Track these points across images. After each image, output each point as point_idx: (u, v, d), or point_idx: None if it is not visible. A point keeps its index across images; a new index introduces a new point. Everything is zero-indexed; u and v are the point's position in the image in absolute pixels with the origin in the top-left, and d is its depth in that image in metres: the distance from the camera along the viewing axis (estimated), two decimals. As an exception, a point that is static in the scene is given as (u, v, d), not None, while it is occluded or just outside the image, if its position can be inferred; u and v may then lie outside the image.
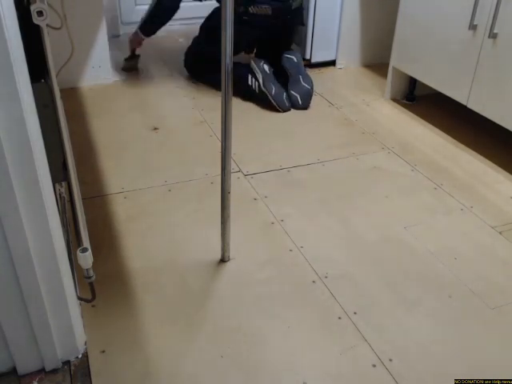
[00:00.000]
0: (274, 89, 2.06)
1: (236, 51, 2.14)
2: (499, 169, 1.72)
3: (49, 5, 0.74)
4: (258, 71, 2.08)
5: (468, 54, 1.74)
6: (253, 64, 2.11)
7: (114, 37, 2.73)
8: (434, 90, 1.94)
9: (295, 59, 2.16)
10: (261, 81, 2.06)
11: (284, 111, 2.06)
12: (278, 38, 2.23)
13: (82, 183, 1.53)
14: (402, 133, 1.94)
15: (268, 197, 1.53)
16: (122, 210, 1.45)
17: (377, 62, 2.54)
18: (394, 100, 2.20)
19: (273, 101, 2.05)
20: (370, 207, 1.50)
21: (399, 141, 1.88)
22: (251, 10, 2.05)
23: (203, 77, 2.28)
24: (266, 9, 2.06)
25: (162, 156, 1.73)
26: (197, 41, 2.30)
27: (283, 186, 1.59)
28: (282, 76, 2.14)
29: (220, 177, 1.15)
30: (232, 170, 1.47)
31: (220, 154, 1.12)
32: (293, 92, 2.11)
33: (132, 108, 2.06)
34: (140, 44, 2.36)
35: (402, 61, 2.08)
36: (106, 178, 1.59)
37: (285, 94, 2.08)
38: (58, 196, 1.07)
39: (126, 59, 2.40)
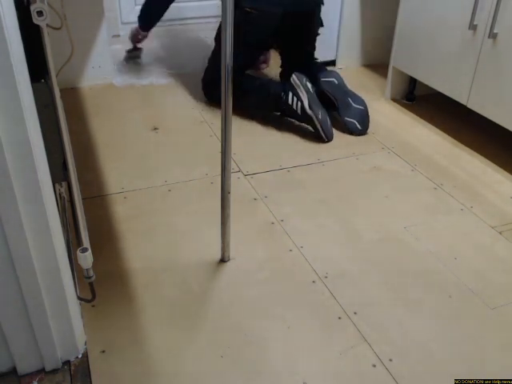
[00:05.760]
0: (320, 113, 1.80)
1: (262, 42, 1.93)
2: (499, 169, 1.72)
3: (49, 5, 0.74)
4: (303, 89, 1.79)
5: (468, 54, 1.74)
6: (295, 80, 1.82)
7: (114, 37, 2.73)
8: (434, 90, 1.94)
9: (336, 81, 1.92)
10: (306, 102, 1.78)
11: (329, 141, 1.82)
12: (301, 24, 1.98)
13: (82, 183, 1.53)
14: (402, 133, 1.94)
15: (268, 197, 1.53)
16: (122, 210, 1.45)
17: (377, 62, 2.54)
18: (394, 100, 2.20)
19: (319, 126, 1.80)
20: (370, 207, 1.50)
21: (399, 141, 1.88)
22: None
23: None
24: None
25: (161, 156, 1.73)
26: (213, 62, 2.02)
27: (283, 186, 1.59)
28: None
29: (220, 177, 1.15)
30: (232, 170, 1.48)
31: (220, 154, 1.12)
32: (347, 118, 1.88)
33: (132, 108, 2.06)
34: (139, 40, 2.36)
35: (402, 61, 2.08)
36: (106, 178, 1.59)
37: (328, 119, 1.83)
38: (58, 196, 1.07)
39: (128, 51, 2.45)
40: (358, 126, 1.89)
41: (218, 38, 1.95)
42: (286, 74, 2.12)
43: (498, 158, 1.77)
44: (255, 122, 1.97)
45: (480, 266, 1.29)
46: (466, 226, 1.44)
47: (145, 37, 2.34)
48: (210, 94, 2.09)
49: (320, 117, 1.79)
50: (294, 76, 1.83)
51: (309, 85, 1.81)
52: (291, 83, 1.83)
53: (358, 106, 1.91)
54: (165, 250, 1.31)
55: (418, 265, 1.29)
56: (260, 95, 1.91)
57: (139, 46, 2.44)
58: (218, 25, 1.93)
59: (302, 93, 1.79)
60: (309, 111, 1.79)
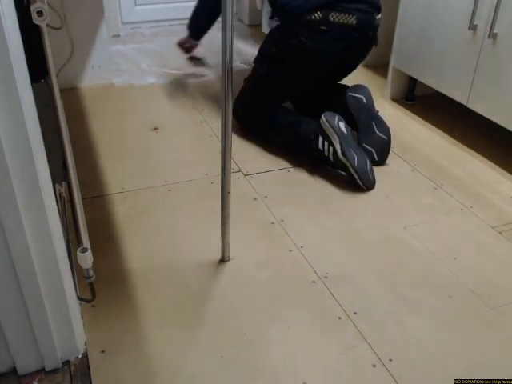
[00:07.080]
0: (356, 157, 1.55)
1: (314, 77, 1.76)
2: (499, 169, 1.72)
3: (49, 5, 0.74)
4: (334, 133, 1.56)
5: (468, 53, 1.74)
6: (325, 122, 1.59)
7: (114, 37, 2.73)
8: (434, 90, 1.94)
9: (364, 100, 1.70)
10: (338, 147, 1.55)
11: (368, 189, 1.56)
12: (355, 61, 1.84)
13: (82, 183, 1.53)
14: (402, 133, 1.94)
15: (268, 197, 1.53)
16: (122, 210, 1.45)
17: (377, 62, 2.54)
18: (394, 100, 2.20)
19: (355, 174, 1.54)
20: (370, 207, 1.50)
21: (399, 141, 1.88)
22: (332, 17, 1.58)
23: (262, 131, 1.82)
24: (350, 18, 1.59)
25: (162, 156, 1.73)
26: (252, 84, 1.82)
27: (283, 186, 1.59)
28: (342, 112, 1.66)
29: (220, 177, 1.15)
30: (232, 170, 1.47)
31: (220, 154, 1.12)
32: (366, 145, 1.67)
33: (132, 108, 2.06)
34: (191, 49, 2.32)
35: (402, 61, 2.08)
36: (106, 178, 1.59)
37: (368, 162, 1.58)
38: (58, 196, 1.07)
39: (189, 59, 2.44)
40: (375, 156, 1.68)
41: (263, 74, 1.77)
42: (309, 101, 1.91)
43: (498, 158, 1.77)
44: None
45: (480, 265, 1.29)
46: (466, 225, 1.44)
47: (196, 45, 2.30)
48: (240, 118, 1.85)
49: (356, 163, 1.54)
50: (323, 117, 1.60)
51: (341, 124, 1.58)
52: (321, 126, 1.61)
53: (380, 135, 1.69)
54: (165, 250, 1.31)
55: (418, 265, 1.29)
56: (288, 134, 1.71)
57: (198, 55, 2.39)
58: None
59: (333, 136, 1.57)
60: (342, 158, 1.56)
